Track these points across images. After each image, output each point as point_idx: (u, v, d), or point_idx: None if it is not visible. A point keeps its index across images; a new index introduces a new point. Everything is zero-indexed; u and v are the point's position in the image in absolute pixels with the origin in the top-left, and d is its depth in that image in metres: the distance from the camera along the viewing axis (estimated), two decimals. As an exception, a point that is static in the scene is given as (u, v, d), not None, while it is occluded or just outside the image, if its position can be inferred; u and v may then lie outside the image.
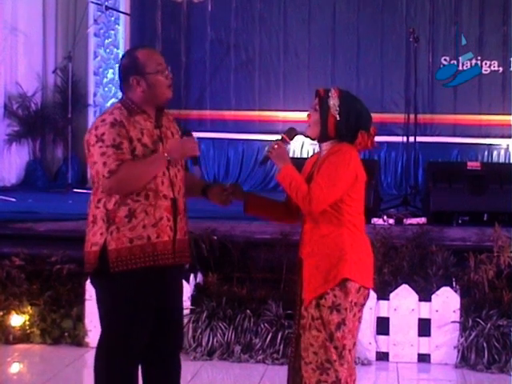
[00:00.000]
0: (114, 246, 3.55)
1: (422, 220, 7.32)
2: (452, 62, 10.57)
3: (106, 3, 10.74)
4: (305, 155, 10.33)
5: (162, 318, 3.71)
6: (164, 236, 3.60)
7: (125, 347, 3.63)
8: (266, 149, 3.72)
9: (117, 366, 3.64)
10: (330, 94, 3.62)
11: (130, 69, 3.67)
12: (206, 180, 4.13)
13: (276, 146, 3.65)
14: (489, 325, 5.48)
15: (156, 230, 3.58)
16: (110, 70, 11.01)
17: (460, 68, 10.54)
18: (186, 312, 4.95)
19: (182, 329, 4.04)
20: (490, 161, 10.36)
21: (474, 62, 10.52)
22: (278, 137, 3.73)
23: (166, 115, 3.75)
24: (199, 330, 5.62)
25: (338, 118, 3.58)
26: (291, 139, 3.73)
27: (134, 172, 3.53)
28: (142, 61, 3.63)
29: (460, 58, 10.50)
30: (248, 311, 5.68)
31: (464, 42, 10.47)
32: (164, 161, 3.58)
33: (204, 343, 5.64)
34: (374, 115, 3.71)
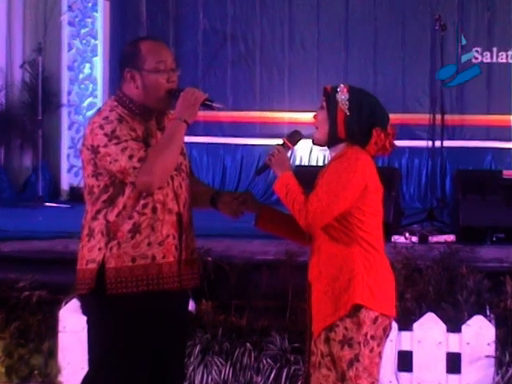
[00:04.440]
0: (114, 265, 3.55)
1: (451, 237, 7.34)
2: (485, 53, 10.58)
3: (82, -13, 10.81)
4: (313, 162, 10.33)
5: (163, 353, 3.67)
6: (169, 256, 3.61)
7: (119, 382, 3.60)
8: (266, 156, 3.71)
9: None
10: (338, 90, 3.63)
11: (127, 59, 3.67)
12: (213, 188, 4.10)
13: (276, 153, 3.66)
14: (529, 360, 5.50)
15: (162, 250, 3.59)
16: (87, 65, 10.98)
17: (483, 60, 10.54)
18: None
19: (184, 367, 4.04)
20: (529, 169, 10.39)
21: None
22: (280, 141, 3.73)
23: (167, 116, 3.72)
24: (192, 367, 5.62)
25: (348, 114, 3.58)
26: (294, 144, 3.73)
27: (163, 150, 3.50)
28: (143, 54, 3.62)
29: (494, 49, 10.52)
30: (248, 344, 5.69)
31: (464, 41, 10.45)
32: (181, 124, 3.57)
33: (197, 382, 5.65)
34: (393, 116, 3.71)
